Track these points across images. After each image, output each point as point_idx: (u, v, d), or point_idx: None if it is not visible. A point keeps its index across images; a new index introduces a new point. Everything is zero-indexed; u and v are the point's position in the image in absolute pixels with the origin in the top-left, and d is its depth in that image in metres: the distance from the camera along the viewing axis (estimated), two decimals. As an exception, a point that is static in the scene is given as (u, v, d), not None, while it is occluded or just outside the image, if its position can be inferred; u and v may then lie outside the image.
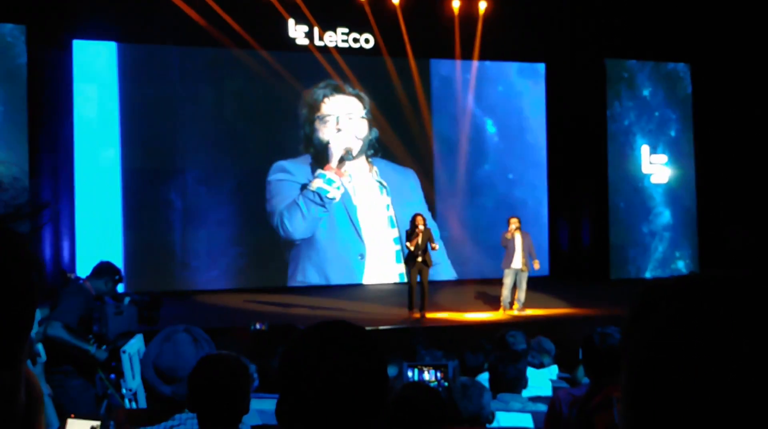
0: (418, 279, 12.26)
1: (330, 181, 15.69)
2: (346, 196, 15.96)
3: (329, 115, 15.91)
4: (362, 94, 16.23)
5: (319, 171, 15.68)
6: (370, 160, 16.29)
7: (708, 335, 0.84)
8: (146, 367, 2.93)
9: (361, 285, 15.85)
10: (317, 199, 15.60)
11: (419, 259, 12.19)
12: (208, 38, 14.89)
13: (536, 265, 12.70)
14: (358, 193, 16.11)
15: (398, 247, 16.15)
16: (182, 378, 2.85)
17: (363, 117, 16.22)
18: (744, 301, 0.85)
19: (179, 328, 3.00)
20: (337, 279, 15.73)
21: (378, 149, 16.35)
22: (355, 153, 15.97)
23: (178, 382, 2.86)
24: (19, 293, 0.90)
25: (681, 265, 17.94)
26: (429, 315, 12.38)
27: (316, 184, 15.64)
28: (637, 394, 0.88)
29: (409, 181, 16.55)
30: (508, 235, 12.63)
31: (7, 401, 0.89)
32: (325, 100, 15.93)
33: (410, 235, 12.25)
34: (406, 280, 12.46)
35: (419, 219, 12.26)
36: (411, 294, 12.35)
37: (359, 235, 15.98)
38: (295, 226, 15.53)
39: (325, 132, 15.85)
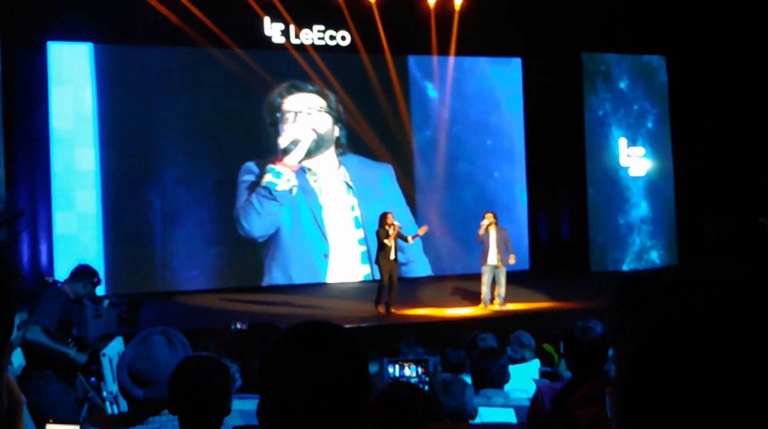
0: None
1: (278, 174, 15.61)
2: (311, 194, 15.90)
3: (288, 112, 15.86)
4: (326, 91, 16.16)
5: (268, 165, 15.64)
6: (339, 158, 16.23)
7: (703, 330, 0.84)
8: (121, 370, 2.91)
9: (324, 284, 15.82)
10: (268, 194, 15.55)
11: (392, 256, 12.27)
12: (184, 38, 14.82)
13: (511, 260, 12.71)
14: (324, 192, 16.06)
15: (363, 247, 16.15)
16: (156, 381, 2.83)
17: (325, 112, 16.15)
18: (739, 296, 0.85)
19: (156, 330, 2.98)
20: (300, 279, 15.68)
21: (346, 147, 16.28)
22: (306, 144, 15.83)
23: (152, 385, 2.84)
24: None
25: (659, 257, 18.05)
26: (410, 312, 12.40)
27: (266, 178, 15.60)
28: (629, 388, 0.88)
29: (383, 176, 16.52)
30: (481, 232, 12.68)
31: None
32: (284, 100, 15.88)
33: (382, 232, 12.27)
34: (382, 276, 12.44)
35: (390, 216, 12.33)
36: (382, 290, 12.38)
37: (323, 235, 15.93)
38: (252, 224, 15.50)
39: (283, 129, 15.84)
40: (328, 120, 16.18)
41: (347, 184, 16.24)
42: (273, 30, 15.76)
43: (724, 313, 0.83)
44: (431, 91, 17.05)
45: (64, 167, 14.44)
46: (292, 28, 15.82)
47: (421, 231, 12.63)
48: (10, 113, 13.69)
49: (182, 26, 14.68)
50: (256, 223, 15.52)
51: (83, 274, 6.25)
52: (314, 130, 15.99)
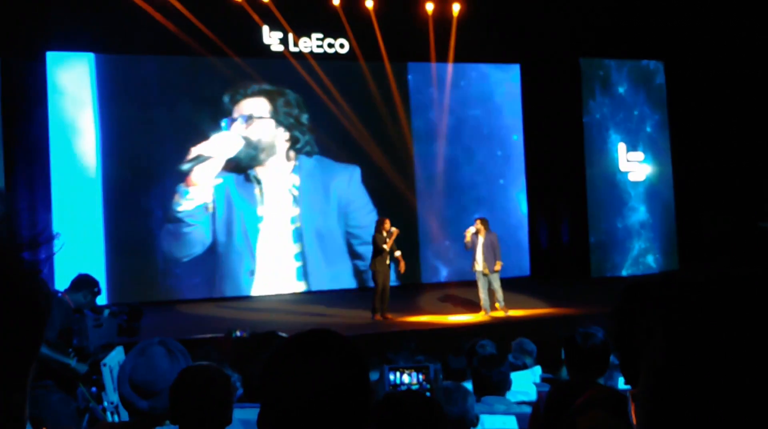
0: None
1: (184, 193, 15.13)
2: (252, 205, 15.52)
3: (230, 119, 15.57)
4: (280, 92, 15.83)
5: (179, 184, 15.15)
6: (294, 164, 15.88)
7: (738, 337, 0.83)
8: (122, 382, 2.90)
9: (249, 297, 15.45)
10: (173, 216, 15.13)
11: (387, 262, 12.28)
12: (183, 47, 14.82)
13: (497, 267, 12.65)
14: (266, 202, 15.61)
15: (299, 263, 15.69)
16: (159, 391, 2.82)
17: (269, 117, 15.78)
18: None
19: (154, 341, 2.98)
20: (227, 294, 15.33)
21: (305, 151, 15.98)
22: (211, 159, 15.16)
23: (155, 396, 2.83)
24: (30, 320, 0.93)
25: (659, 262, 18.03)
26: (410, 319, 12.40)
27: (174, 199, 15.11)
28: (658, 395, 0.88)
29: (343, 179, 16.20)
30: (466, 239, 12.68)
31: (17, 419, 0.92)
32: (233, 106, 15.55)
33: (380, 237, 12.27)
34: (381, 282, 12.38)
35: (387, 222, 12.34)
36: (377, 297, 12.36)
37: (251, 251, 15.46)
38: (169, 245, 15.09)
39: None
40: (269, 125, 15.75)
41: (292, 193, 15.80)
42: (272, 38, 15.78)
43: (762, 321, 0.83)
44: (430, 97, 17.05)
45: (64, 176, 14.44)
46: (290, 36, 15.84)
47: (392, 238, 12.48)
48: (10, 123, 13.70)
49: (181, 35, 14.69)
50: (172, 245, 15.11)
51: (83, 284, 6.25)
52: (246, 138, 15.43)
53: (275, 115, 15.83)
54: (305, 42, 15.97)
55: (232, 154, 15.30)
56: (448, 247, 16.80)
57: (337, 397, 1.60)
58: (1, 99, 13.63)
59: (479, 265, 12.62)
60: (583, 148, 17.68)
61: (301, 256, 15.79)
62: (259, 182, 15.60)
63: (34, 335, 0.94)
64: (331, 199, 16.06)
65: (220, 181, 15.27)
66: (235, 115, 15.51)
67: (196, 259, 15.17)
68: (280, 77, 15.82)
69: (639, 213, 18.08)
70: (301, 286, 15.79)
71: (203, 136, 15.27)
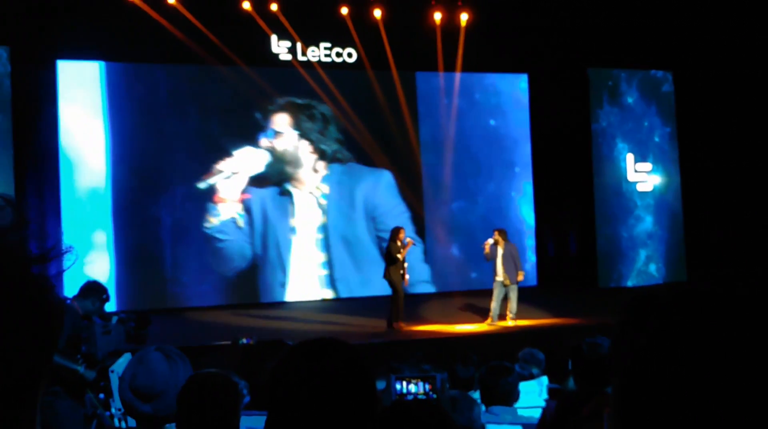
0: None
1: (212, 209, 15.41)
2: (285, 218, 15.79)
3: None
4: (300, 105, 15.98)
5: (208, 202, 15.46)
6: (324, 173, 16.05)
7: (697, 346, 0.84)
8: (123, 391, 2.91)
9: (336, 300, 15.78)
10: (207, 231, 15.43)
11: (402, 271, 12.29)
12: (192, 56, 14.88)
13: (519, 277, 12.72)
14: (297, 214, 15.88)
15: (325, 271, 15.96)
16: (159, 393, 2.83)
17: (292, 129, 15.93)
18: (733, 313, 0.85)
19: (150, 349, 2.99)
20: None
21: (336, 158, 16.15)
22: (236, 175, 15.45)
23: (156, 398, 2.84)
24: (42, 337, 0.93)
25: (666, 273, 17.98)
26: (417, 328, 12.40)
27: (205, 217, 15.44)
28: (625, 405, 0.88)
29: (374, 185, 16.40)
30: (486, 251, 12.71)
31: None
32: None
33: (394, 246, 12.28)
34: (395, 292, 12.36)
35: (402, 231, 12.38)
36: (394, 305, 12.32)
37: (282, 265, 15.73)
38: (217, 261, 15.42)
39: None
40: (292, 138, 15.94)
41: (319, 203, 15.98)
42: (280, 48, 15.82)
43: (721, 330, 0.84)
44: (438, 107, 17.05)
45: (73, 184, 14.49)
46: (299, 45, 15.88)
47: (406, 248, 12.48)
48: (20, 131, 13.76)
49: (190, 44, 14.74)
50: (216, 262, 15.41)
51: (92, 290, 6.27)
52: (272, 151, 15.70)
53: (298, 128, 15.94)
54: (313, 51, 16.01)
55: (258, 170, 15.52)
56: (454, 256, 16.79)
57: (342, 404, 1.61)
58: (12, 107, 13.69)
59: (500, 275, 12.66)
60: (591, 158, 17.66)
61: (328, 264, 15.98)
62: (290, 195, 15.80)
63: (45, 354, 0.93)
64: (357, 206, 16.22)
65: (248, 196, 15.45)
66: (265, 128, 15.65)
67: (240, 272, 15.51)
68: (289, 87, 15.86)
69: (647, 223, 18.04)
70: (328, 294, 15.94)
71: (213, 145, 15.33)
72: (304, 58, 15.95)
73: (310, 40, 15.97)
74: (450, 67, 16.81)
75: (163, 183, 15.12)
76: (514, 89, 17.65)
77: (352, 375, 1.64)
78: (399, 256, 12.27)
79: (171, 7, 14.54)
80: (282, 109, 15.87)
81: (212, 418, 2.61)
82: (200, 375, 2.75)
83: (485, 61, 16.75)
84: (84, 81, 14.72)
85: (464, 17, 16.40)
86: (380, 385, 4.90)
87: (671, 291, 0.91)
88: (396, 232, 12.43)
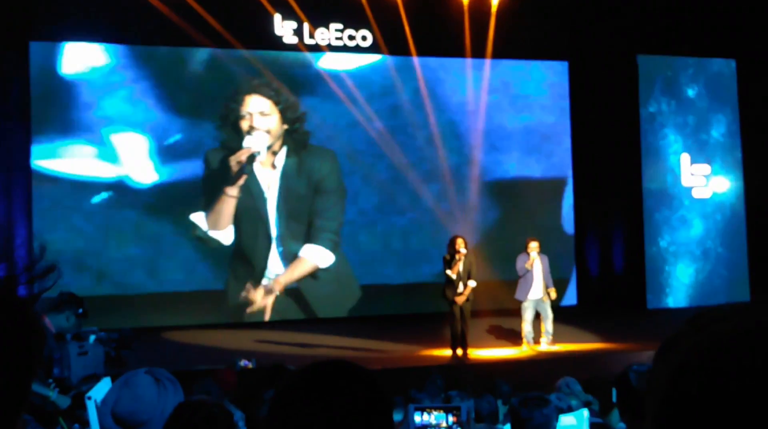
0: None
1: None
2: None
3: None
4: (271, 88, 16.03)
5: None
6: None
7: (734, 374, 0.83)
8: (104, 416, 2.92)
9: (341, 318, 15.87)
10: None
11: (459, 289, 12.14)
12: (184, 38, 14.89)
13: (552, 295, 12.70)
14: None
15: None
16: (145, 421, 2.84)
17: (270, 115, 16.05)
18: None
19: (140, 371, 3.01)
20: None
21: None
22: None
23: (141, 427, 2.85)
24: (18, 361, 0.94)
25: (728, 293, 17.87)
26: (437, 352, 12.40)
27: None
28: None
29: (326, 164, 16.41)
30: (529, 265, 12.63)
31: None
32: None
33: (447, 259, 12.18)
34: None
35: (459, 241, 12.20)
36: (453, 329, 12.25)
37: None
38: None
39: None
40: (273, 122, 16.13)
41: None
42: (284, 29, 15.84)
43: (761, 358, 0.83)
44: (464, 99, 17.03)
45: (46, 183, 14.54)
46: (306, 26, 15.90)
47: (459, 261, 12.34)
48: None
49: (183, 25, 14.75)
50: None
51: (66, 304, 6.26)
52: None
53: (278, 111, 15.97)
54: (322, 33, 16.02)
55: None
56: (482, 272, 16.74)
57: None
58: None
59: (536, 291, 12.60)
60: (639, 158, 17.58)
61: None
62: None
63: (22, 379, 0.94)
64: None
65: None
66: (243, 111, 15.66)
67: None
68: (293, 73, 15.89)
69: (704, 235, 17.93)
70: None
71: (203, 134, 15.37)
72: (311, 41, 15.96)
73: (319, 21, 15.99)
74: (479, 54, 16.79)
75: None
76: (552, 79, 17.60)
77: (370, 406, 1.63)
78: (449, 272, 12.12)
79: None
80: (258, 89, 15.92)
81: (203, 452, 2.61)
82: (190, 403, 2.76)
83: (520, 46, 16.73)
84: (64, 64, 14.78)
85: (495, -3, 16.42)
86: (396, 416, 4.89)
87: (729, 314, 0.90)
88: (451, 242, 12.29)
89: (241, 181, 15.49)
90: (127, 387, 2.94)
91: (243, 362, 10.82)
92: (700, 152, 17.99)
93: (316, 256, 15.96)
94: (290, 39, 15.89)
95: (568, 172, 17.56)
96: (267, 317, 15.49)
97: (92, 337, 6.18)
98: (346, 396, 1.61)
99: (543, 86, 17.57)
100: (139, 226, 15.02)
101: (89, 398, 5.48)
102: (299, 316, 15.67)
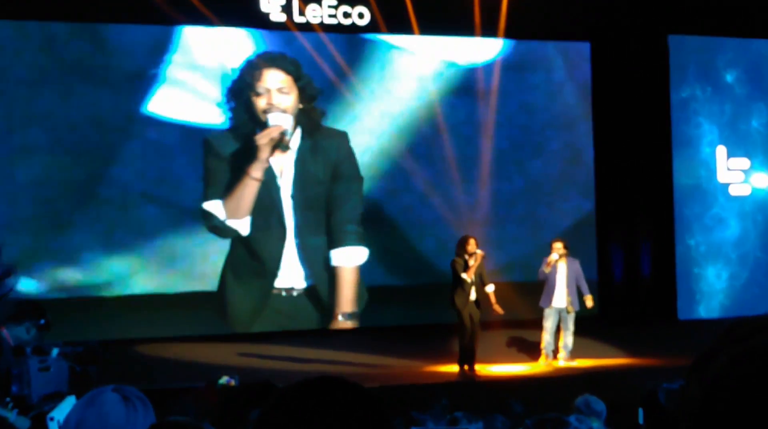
0: None
1: None
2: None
3: None
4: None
5: None
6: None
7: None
8: (65, 438, 2.93)
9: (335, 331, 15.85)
10: None
11: (471, 297, 12.09)
12: (151, 13, 14.84)
13: (588, 303, 12.65)
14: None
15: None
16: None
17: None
18: None
19: (106, 389, 3.00)
20: None
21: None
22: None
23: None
24: None
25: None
26: (444, 368, 12.39)
27: None
28: None
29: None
30: (547, 268, 12.57)
31: None
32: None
33: (459, 262, 12.11)
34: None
35: (471, 242, 12.16)
36: (463, 341, 12.20)
37: None
38: None
39: None
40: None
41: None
42: (271, 5, 15.82)
43: None
44: (473, 84, 17.02)
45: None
46: (295, 2, 15.88)
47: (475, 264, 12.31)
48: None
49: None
50: None
51: (26, 313, 6.26)
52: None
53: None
54: (314, 10, 16.01)
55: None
56: (495, 278, 16.73)
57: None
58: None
59: (559, 299, 12.56)
60: (670, 151, 17.56)
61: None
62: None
63: None
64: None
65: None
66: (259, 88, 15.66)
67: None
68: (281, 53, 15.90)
69: (742, 237, 17.92)
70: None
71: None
72: (302, 19, 15.95)
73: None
74: (489, 33, 16.77)
75: (110, 177, 15.18)
76: (572, 62, 17.59)
77: (365, 427, 1.63)
78: (464, 275, 12.06)
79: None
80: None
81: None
82: (164, 424, 2.76)
83: (535, 25, 16.72)
84: None
85: (509, -31, 16.43)
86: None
87: (758, 320, 0.91)
88: (462, 242, 12.24)
89: (266, 164, 15.47)
90: (92, 406, 2.94)
91: (225, 379, 10.81)
92: (739, 145, 17.97)
93: (350, 259, 15.95)
94: (278, 17, 15.85)
95: (589, 166, 17.53)
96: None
97: (55, 351, 6.18)
98: (339, 418, 1.62)
99: (562, 70, 17.55)
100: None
101: (51, 419, 5.49)
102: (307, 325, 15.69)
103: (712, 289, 17.72)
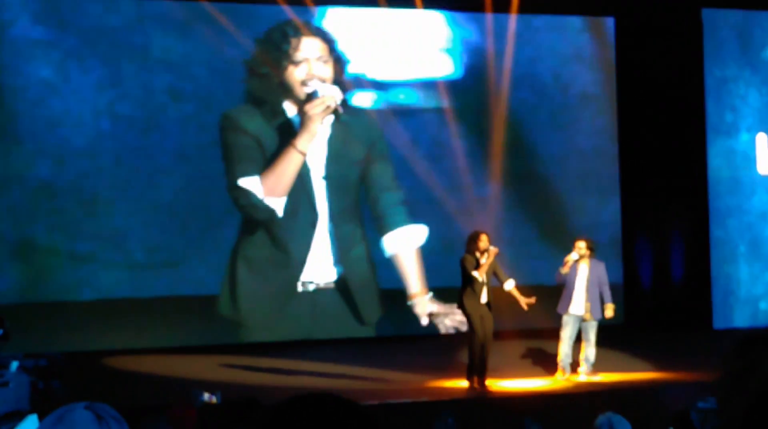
0: None
1: None
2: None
3: None
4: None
5: None
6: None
7: None
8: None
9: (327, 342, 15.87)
10: None
11: (482, 299, 12.02)
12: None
13: (608, 312, 12.60)
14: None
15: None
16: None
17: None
18: None
19: (77, 407, 3.00)
20: None
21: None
22: None
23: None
24: None
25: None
26: (449, 383, 12.40)
27: None
28: None
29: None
30: (565, 269, 12.50)
31: None
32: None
33: (470, 260, 12.05)
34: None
35: (483, 237, 12.08)
36: (473, 351, 12.10)
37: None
38: None
39: None
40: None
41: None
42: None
43: None
44: (483, 63, 17.03)
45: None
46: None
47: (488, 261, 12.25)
48: None
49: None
50: None
51: (-20, 322, 6.28)
52: None
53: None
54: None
55: None
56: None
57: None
58: None
59: (578, 306, 12.49)
60: (704, 137, 17.57)
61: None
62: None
63: None
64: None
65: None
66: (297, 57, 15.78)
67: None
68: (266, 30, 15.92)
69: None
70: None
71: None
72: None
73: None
74: (502, 7, 16.77)
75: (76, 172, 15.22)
76: (594, 39, 17.60)
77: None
78: (476, 273, 11.96)
79: None
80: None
81: None
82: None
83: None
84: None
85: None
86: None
87: None
88: (473, 238, 12.13)
89: (314, 136, 15.55)
90: (61, 425, 2.94)
91: (205, 396, 10.82)
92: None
93: (410, 240, 16.12)
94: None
95: (614, 154, 17.52)
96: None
97: (14, 365, 6.19)
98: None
99: (583, 48, 17.56)
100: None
101: (11, 440, 5.51)
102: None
103: (750, 294, 17.72)
